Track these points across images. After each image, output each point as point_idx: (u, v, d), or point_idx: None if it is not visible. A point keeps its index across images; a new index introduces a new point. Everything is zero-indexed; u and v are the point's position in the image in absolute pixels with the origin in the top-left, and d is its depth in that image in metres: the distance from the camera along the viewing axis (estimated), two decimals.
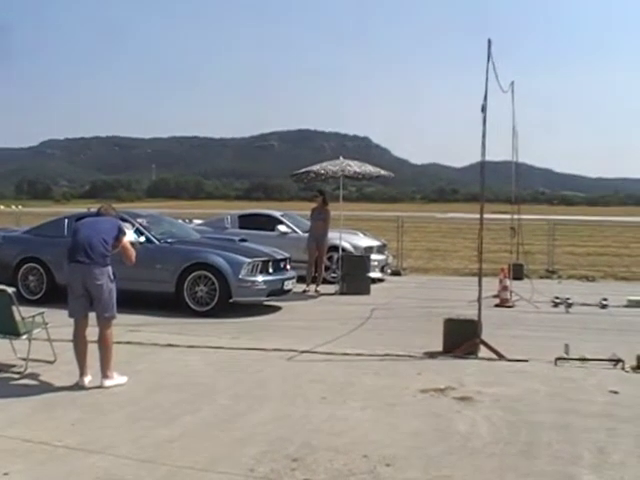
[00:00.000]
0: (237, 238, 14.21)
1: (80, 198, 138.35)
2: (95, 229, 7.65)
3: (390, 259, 19.48)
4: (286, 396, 7.26)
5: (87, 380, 7.50)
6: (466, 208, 67.31)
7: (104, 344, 7.55)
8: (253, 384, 7.73)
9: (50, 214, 21.38)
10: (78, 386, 7.44)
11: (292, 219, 18.46)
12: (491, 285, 13.71)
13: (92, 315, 7.64)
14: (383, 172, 17.09)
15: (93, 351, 7.59)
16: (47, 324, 8.31)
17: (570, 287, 17.20)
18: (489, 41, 9.11)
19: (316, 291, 15.55)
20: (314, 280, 15.77)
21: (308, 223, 16.54)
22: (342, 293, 15.46)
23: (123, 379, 7.64)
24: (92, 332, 7.66)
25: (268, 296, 12.84)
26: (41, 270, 13.35)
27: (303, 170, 17.02)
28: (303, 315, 12.76)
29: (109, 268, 7.57)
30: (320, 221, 15.87)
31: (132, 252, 7.96)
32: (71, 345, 7.70)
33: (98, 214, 8.06)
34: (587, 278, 19.58)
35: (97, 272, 7.44)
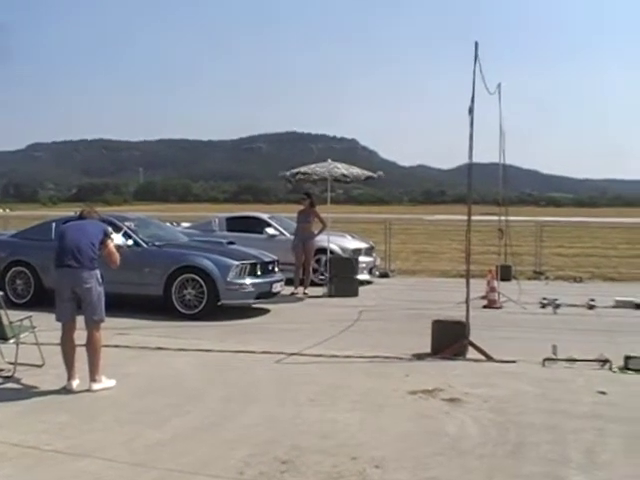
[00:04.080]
0: (225, 241, 14.23)
1: (67, 201, 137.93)
2: (82, 233, 7.63)
3: (378, 261, 19.51)
4: (275, 398, 7.27)
5: (75, 384, 7.47)
6: (453, 210, 67.52)
7: (92, 347, 7.54)
8: (242, 387, 7.73)
9: (38, 217, 21.36)
10: (66, 390, 7.41)
11: (280, 221, 18.46)
12: (479, 286, 13.75)
13: (80, 318, 7.62)
14: (370, 173, 17.18)
15: (81, 354, 7.57)
16: (35, 328, 8.27)
17: (558, 288, 17.26)
18: (476, 43, 9.15)
19: (304, 293, 15.56)
20: (302, 282, 15.78)
21: (295, 225, 16.53)
22: (330, 295, 15.46)
23: (111, 382, 7.62)
24: (80, 335, 7.64)
25: (256, 299, 12.82)
26: (29, 274, 13.30)
27: (291, 172, 17.05)
28: (291, 317, 12.76)
29: (97, 271, 7.56)
30: (307, 223, 15.92)
31: (117, 256, 7.93)
32: (59, 349, 7.67)
33: (81, 217, 8.04)
34: (575, 279, 19.63)
35: (86, 276, 7.43)
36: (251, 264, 12.76)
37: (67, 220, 8.74)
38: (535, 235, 23.10)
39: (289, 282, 14.91)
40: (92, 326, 7.56)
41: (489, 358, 9.03)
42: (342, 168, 16.62)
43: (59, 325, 7.65)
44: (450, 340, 9.19)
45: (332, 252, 16.57)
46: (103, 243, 7.71)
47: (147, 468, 5.31)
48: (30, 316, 8.33)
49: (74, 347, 7.59)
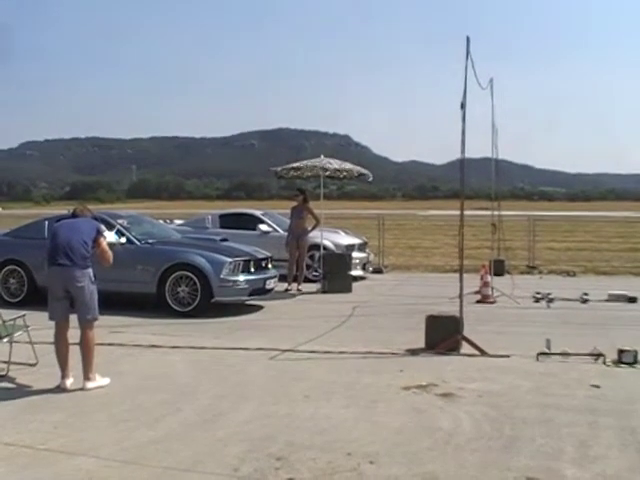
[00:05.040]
0: (218, 238, 14.21)
1: (60, 199, 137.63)
2: (75, 231, 7.61)
3: (371, 257, 19.50)
4: (269, 395, 7.26)
5: (69, 382, 7.46)
6: (447, 205, 67.50)
7: (86, 346, 7.52)
8: (236, 384, 7.73)
9: (30, 216, 21.29)
10: (60, 388, 7.40)
11: (273, 218, 18.48)
12: (472, 281, 13.75)
13: (73, 317, 7.61)
14: (363, 170, 17.21)
15: (75, 353, 7.56)
16: (28, 327, 8.25)
17: (551, 282, 17.29)
18: (467, 39, 9.14)
19: (298, 290, 15.56)
20: (296, 279, 15.78)
21: (289, 222, 16.52)
22: (324, 291, 15.46)
23: (105, 381, 7.61)
24: (74, 334, 7.62)
25: (250, 295, 12.82)
26: (22, 272, 13.27)
27: (282, 167, 17.07)
28: (285, 314, 12.76)
29: (90, 270, 7.53)
30: (300, 219, 15.91)
31: (110, 254, 7.91)
32: (53, 347, 7.66)
33: (74, 215, 8.02)
34: (568, 273, 19.68)
35: (78, 274, 7.41)
36: (244, 261, 12.75)
37: (60, 218, 8.71)
38: (528, 229, 23.12)
39: (283, 278, 14.91)
40: (85, 325, 7.54)
41: (483, 353, 9.04)
42: (335, 164, 16.64)
43: (52, 324, 7.63)
44: (444, 335, 9.19)
45: (325, 248, 16.57)
46: (96, 241, 7.69)
47: (141, 466, 5.30)
48: (23, 315, 8.31)
49: (68, 346, 7.58)
